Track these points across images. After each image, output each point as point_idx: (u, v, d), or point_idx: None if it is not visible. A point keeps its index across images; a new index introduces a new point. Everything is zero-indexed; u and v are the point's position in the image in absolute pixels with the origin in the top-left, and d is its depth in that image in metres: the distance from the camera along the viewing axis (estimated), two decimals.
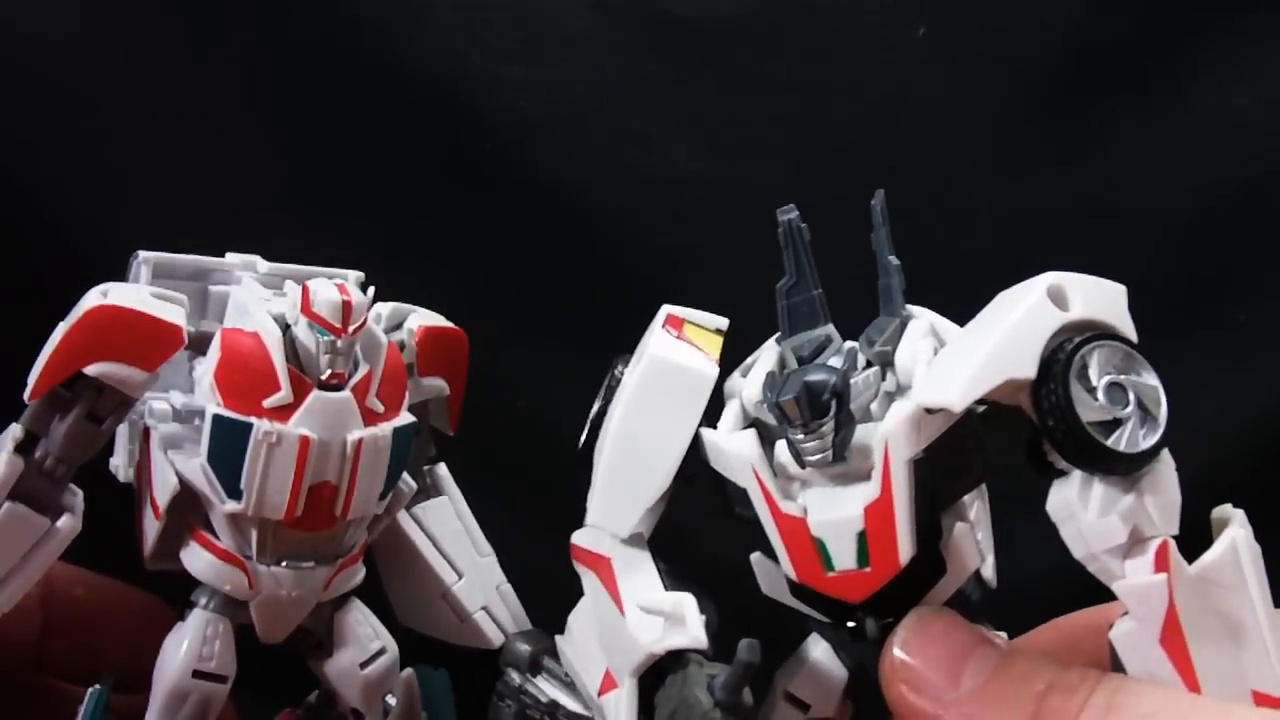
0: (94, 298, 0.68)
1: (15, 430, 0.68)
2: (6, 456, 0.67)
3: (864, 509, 0.61)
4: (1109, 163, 1.13)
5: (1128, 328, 0.59)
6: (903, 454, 0.60)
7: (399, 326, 0.76)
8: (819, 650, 0.71)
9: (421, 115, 1.10)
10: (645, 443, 0.68)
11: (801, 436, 0.61)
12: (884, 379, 0.64)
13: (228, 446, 0.66)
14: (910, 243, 0.66)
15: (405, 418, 0.71)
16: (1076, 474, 0.58)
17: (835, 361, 0.65)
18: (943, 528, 0.63)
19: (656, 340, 0.69)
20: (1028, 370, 0.57)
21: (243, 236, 0.78)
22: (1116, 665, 0.59)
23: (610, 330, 0.72)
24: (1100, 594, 0.59)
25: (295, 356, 0.67)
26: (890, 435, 0.60)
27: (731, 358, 0.69)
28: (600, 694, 0.70)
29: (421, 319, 0.77)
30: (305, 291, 0.67)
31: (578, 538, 0.71)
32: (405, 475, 0.75)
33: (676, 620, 0.66)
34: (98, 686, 0.72)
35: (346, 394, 0.67)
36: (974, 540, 0.65)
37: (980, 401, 0.58)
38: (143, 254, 0.75)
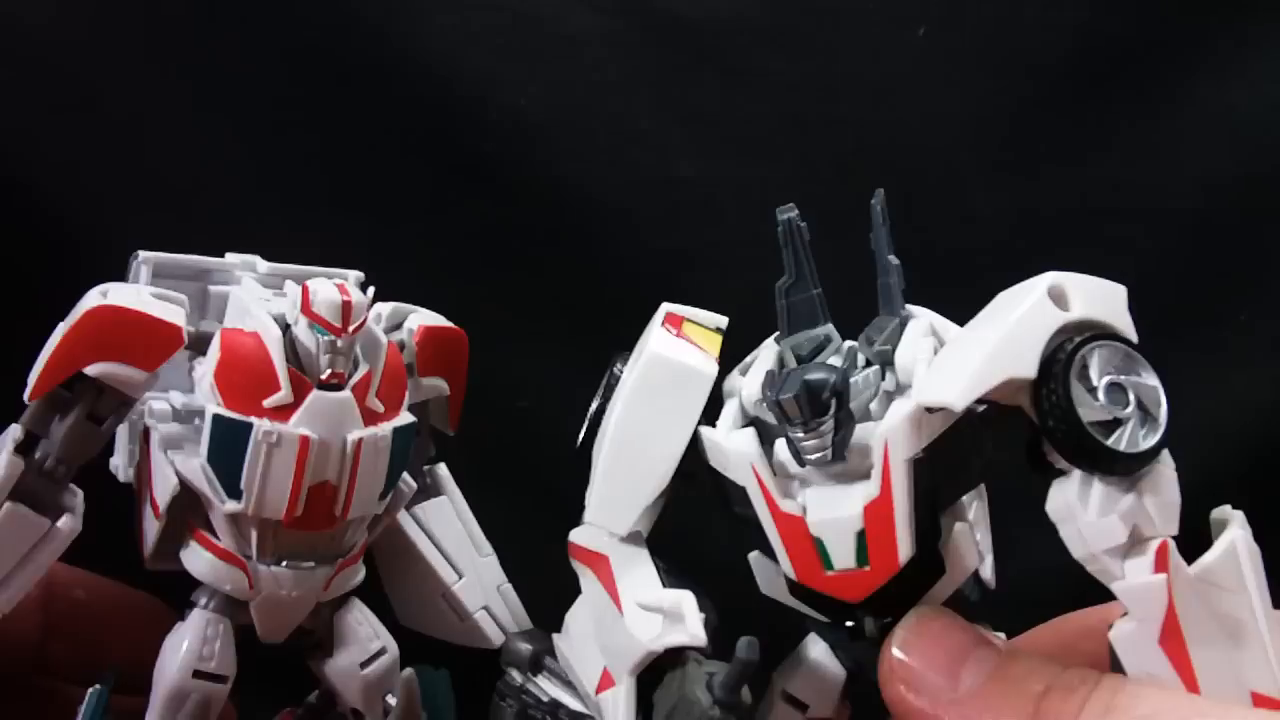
0: (94, 298, 0.68)
1: (15, 430, 0.69)
2: (7, 457, 0.67)
3: (863, 508, 0.61)
4: (1109, 163, 1.13)
5: (1128, 328, 0.59)
6: (902, 453, 0.60)
7: (399, 326, 0.76)
8: (817, 650, 0.71)
9: (421, 115, 1.10)
10: (644, 441, 0.68)
11: (801, 435, 0.61)
12: (883, 378, 0.64)
13: (228, 446, 0.66)
14: (910, 243, 0.66)
15: (405, 418, 0.71)
16: (1076, 474, 0.58)
17: (835, 360, 0.65)
18: (942, 527, 0.63)
19: (656, 338, 0.69)
20: (1028, 370, 0.57)
21: (243, 236, 0.78)
22: (1115, 666, 0.59)
23: (610, 330, 0.72)
24: (1099, 594, 0.59)
25: (295, 356, 0.67)
26: (890, 434, 0.60)
27: (731, 356, 0.69)
28: (598, 692, 0.71)
29: (421, 319, 0.77)
30: (305, 291, 0.67)
31: (576, 536, 0.71)
32: (405, 475, 0.75)
33: (675, 618, 0.66)
34: (98, 687, 0.72)
35: (346, 394, 0.67)
36: (973, 540, 0.65)
37: (980, 401, 0.58)
38: (143, 254, 0.75)
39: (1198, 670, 0.56)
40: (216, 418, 0.66)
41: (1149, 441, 0.57)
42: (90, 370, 0.67)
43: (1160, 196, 1.13)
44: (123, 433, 0.74)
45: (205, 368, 0.68)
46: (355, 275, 0.77)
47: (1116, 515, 0.57)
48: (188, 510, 0.70)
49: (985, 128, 1.13)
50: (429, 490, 0.83)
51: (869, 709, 0.66)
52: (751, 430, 0.65)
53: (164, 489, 0.70)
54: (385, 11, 1.09)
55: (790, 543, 0.63)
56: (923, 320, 0.65)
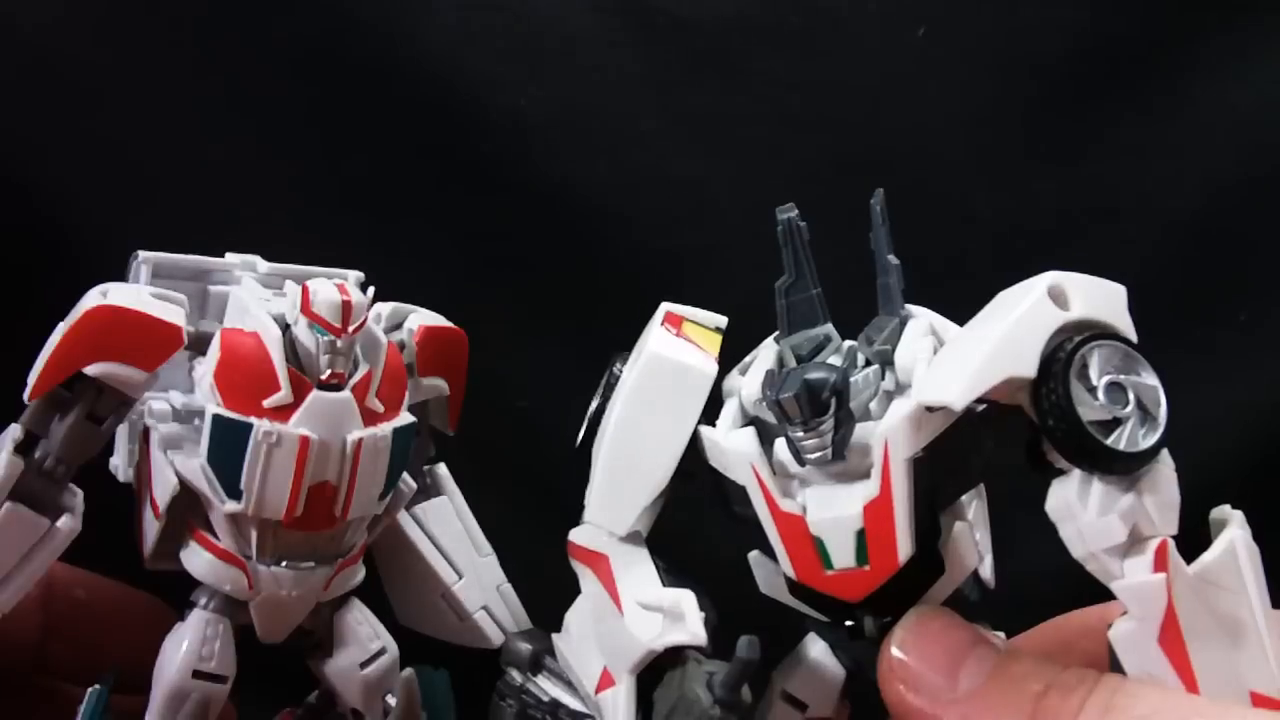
0: (94, 298, 0.68)
1: (15, 430, 0.69)
2: (6, 457, 0.67)
3: (863, 507, 0.61)
4: (1109, 163, 1.13)
5: (1128, 328, 0.59)
6: (902, 452, 0.60)
7: (399, 326, 0.76)
8: (817, 649, 0.71)
9: (421, 115, 1.10)
10: (644, 440, 0.68)
11: (801, 434, 0.61)
12: (883, 378, 0.64)
13: (228, 446, 0.66)
14: (910, 243, 0.66)
15: (405, 418, 0.71)
16: (1076, 473, 0.58)
17: (834, 360, 0.65)
18: (941, 527, 0.64)
19: (655, 338, 0.69)
20: (1028, 369, 0.57)
21: (243, 236, 0.78)
22: (1115, 665, 0.59)
23: (610, 329, 0.72)
24: (1099, 594, 0.59)
25: (295, 356, 0.67)
26: (890, 433, 0.60)
27: (731, 356, 0.69)
28: (597, 691, 0.70)
29: (421, 319, 0.77)
30: (305, 291, 0.67)
31: (575, 535, 0.71)
32: (405, 475, 0.75)
33: (675, 617, 0.67)
34: (98, 686, 0.72)
35: (346, 394, 0.67)
36: (973, 540, 0.65)
37: (980, 400, 0.58)
38: (143, 254, 0.75)
39: (1197, 670, 0.56)
40: (216, 418, 0.66)
41: (1148, 441, 0.57)
42: (90, 370, 0.67)
43: (1160, 196, 1.13)
44: (122, 433, 0.74)
45: (205, 368, 0.68)
46: (355, 275, 0.77)
47: (1116, 515, 0.57)
48: (187, 510, 0.70)
49: (985, 128, 1.13)
50: (429, 490, 0.83)
51: (868, 708, 0.66)
52: (751, 430, 0.65)
53: (164, 489, 0.70)
54: (385, 12, 1.09)
55: (790, 542, 0.63)
56: (922, 320, 0.65)
